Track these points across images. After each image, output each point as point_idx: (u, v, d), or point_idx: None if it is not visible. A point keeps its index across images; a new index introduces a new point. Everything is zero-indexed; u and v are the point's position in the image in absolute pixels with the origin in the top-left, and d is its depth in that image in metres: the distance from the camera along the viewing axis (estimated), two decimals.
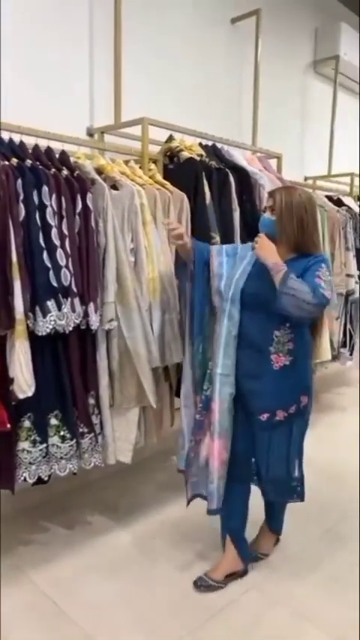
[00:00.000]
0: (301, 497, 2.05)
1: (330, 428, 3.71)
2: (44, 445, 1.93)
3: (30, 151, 1.98)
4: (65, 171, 2.00)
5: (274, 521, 2.20)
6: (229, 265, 2.02)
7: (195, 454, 2.03)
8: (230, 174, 2.60)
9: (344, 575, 2.08)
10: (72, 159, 2.11)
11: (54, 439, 1.95)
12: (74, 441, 1.98)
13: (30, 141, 2.01)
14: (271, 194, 1.95)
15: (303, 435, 2.02)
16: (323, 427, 3.70)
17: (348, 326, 3.82)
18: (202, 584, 2.01)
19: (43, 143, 2.05)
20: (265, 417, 1.91)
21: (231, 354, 1.93)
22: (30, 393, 1.77)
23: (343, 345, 3.82)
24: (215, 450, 1.93)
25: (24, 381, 1.74)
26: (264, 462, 1.96)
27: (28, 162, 1.89)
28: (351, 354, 3.89)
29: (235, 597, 1.94)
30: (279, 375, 1.90)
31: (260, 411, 1.92)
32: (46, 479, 1.98)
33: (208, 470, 1.96)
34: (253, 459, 2.01)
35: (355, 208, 3.83)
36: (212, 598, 1.93)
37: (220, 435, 1.93)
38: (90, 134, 2.66)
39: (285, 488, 2.01)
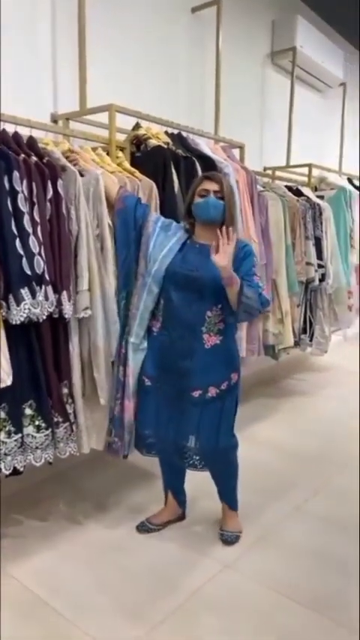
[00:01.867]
0: (228, 464, 2.19)
1: (292, 412, 3.83)
2: (19, 435, 1.90)
3: None
4: (34, 157, 1.96)
5: (224, 495, 2.26)
6: (159, 238, 2.08)
7: (116, 412, 2.15)
8: (197, 163, 2.62)
9: (317, 550, 2.17)
10: (40, 145, 2.08)
11: (29, 429, 1.93)
12: (49, 430, 1.97)
13: None
14: (213, 178, 2.03)
15: (235, 409, 2.12)
16: (286, 411, 3.82)
17: (308, 313, 3.94)
18: (143, 529, 2.26)
19: (9, 128, 2.00)
20: (197, 393, 2.01)
21: (144, 326, 2.08)
22: (9, 382, 1.74)
23: (304, 331, 3.94)
24: (128, 407, 2.11)
25: (2, 371, 1.71)
26: (194, 436, 2.05)
27: None
28: (310, 341, 4.03)
29: (211, 576, 1.99)
30: (210, 353, 2.01)
31: (192, 388, 2.02)
32: (21, 469, 1.95)
33: (123, 424, 2.12)
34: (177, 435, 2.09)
35: (314, 198, 3.94)
36: (189, 579, 1.97)
37: (133, 395, 2.10)
38: (54, 120, 2.61)
39: (213, 458, 2.12)
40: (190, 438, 2.06)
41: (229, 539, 2.19)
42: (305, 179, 4.34)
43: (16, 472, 1.96)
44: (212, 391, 2.01)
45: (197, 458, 2.11)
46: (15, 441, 1.89)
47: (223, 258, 1.85)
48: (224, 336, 2.02)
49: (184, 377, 2.02)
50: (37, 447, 1.94)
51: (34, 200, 1.88)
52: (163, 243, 2.06)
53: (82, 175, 2.09)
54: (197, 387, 2.01)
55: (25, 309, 1.79)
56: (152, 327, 2.09)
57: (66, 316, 1.98)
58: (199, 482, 2.33)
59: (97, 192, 2.11)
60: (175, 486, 2.31)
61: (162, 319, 2.06)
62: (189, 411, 2.03)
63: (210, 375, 2.02)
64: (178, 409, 2.05)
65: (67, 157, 2.10)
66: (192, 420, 2.03)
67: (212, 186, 1.99)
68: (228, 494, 2.25)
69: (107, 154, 2.38)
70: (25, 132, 2.05)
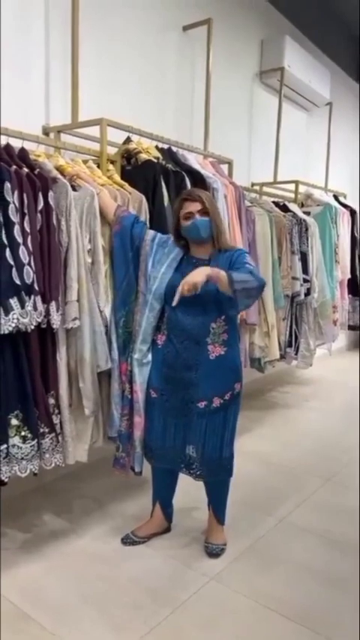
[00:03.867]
0: (230, 473, 2.20)
1: (278, 424, 3.85)
2: (4, 446, 1.89)
3: None
4: (25, 169, 1.98)
5: (215, 507, 2.26)
6: (157, 256, 2.13)
7: (123, 428, 2.20)
8: (186, 177, 2.66)
9: (302, 562, 2.18)
10: (31, 157, 2.10)
11: (15, 439, 1.92)
12: (35, 441, 1.96)
13: None
14: (193, 198, 2.05)
15: (236, 418, 2.15)
16: (270, 424, 3.85)
17: (294, 327, 3.99)
18: (127, 541, 2.25)
19: (1, 140, 2.03)
20: (202, 404, 2.05)
21: (148, 341, 2.13)
22: None
23: (289, 345, 3.98)
24: (139, 424, 2.15)
25: None
26: (199, 446, 2.08)
27: None
28: (296, 354, 4.07)
29: (196, 590, 1.98)
30: (215, 364, 2.05)
31: (198, 399, 2.05)
32: (6, 480, 1.93)
33: (132, 440, 2.17)
34: (184, 445, 2.11)
35: (300, 214, 4.01)
36: (174, 591, 1.96)
37: (142, 411, 2.14)
38: (46, 133, 2.63)
39: (217, 467, 2.14)
40: (196, 449, 2.08)
41: (214, 552, 2.19)
42: (292, 195, 4.41)
43: (0, 483, 1.94)
44: (217, 401, 2.05)
45: (203, 468, 2.12)
46: (0, 451, 1.87)
47: (195, 276, 1.85)
48: (228, 347, 2.07)
49: (189, 388, 2.06)
50: (22, 458, 1.93)
51: (25, 211, 1.89)
52: (162, 260, 2.11)
53: (75, 190, 2.12)
54: (202, 398, 2.04)
55: (13, 318, 1.79)
56: (157, 341, 2.13)
57: (54, 326, 1.98)
58: (184, 494, 2.34)
59: (92, 208, 2.13)
60: (164, 499, 2.31)
61: (167, 332, 2.10)
62: (194, 422, 2.06)
63: (215, 386, 2.05)
64: (184, 420, 2.08)
65: (69, 178, 2.13)
66: (198, 431, 2.06)
67: (194, 207, 2.02)
68: (219, 505, 2.25)
69: (98, 166, 2.41)
70: (17, 144, 2.07)
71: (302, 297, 3.86)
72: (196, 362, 2.04)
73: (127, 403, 2.18)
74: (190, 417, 2.07)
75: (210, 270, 1.89)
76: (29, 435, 1.94)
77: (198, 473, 2.14)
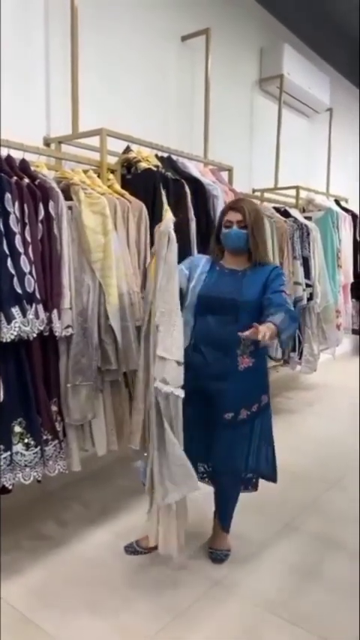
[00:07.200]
0: (255, 487, 2.23)
1: (281, 430, 3.83)
2: (8, 453, 1.91)
3: None
4: (26, 180, 2.01)
5: (222, 515, 2.25)
6: (191, 275, 2.11)
7: None
8: (186, 185, 2.69)
9: (305, 566, 2.18)
10: (32, 167, 2.13)
11: (18, 447, 1.94)
12: (38, 448, 1.97)
13: None
14: (236, 208, 2.04)
15: (270, 428, 2.15)
16: (275, 429, 3.82)
17: (297, 332, 3.99)
18: (130, 550, 2.21)
19: (2, 152, 2.06)
20: (229, 416, 2.02)
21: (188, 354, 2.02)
22: (0, 399, 1.75)
23: (293, 350, 3.99)
24: None
25: None
26: (223, 458, 2.06)
27: None
28: (299, 359, 4.07)
29: (200, 594, 1.99)
30: (243, 375, 2.03)
31: (225, 410, 2.02)
32: (10, 488, 1.95)
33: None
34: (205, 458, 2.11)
35: (301, 219, 4.02)
36: (178, 597, 1.97)
37: None
38: (47, 143, 2.67)
39: (239, 480, 2.15)
40: (219, 459, 2.07)
41: (218, 558, 2.19)
42: (293, 201, 4.43)
43: (5, 490, 1.96)
44: (244, 413, 2.04)
45: (224, 480, 2.13)
46: (4, 458, 1.89)
47: (256, 334, 1.81)
48: (256, 358, 2.05)
49: (215, 398, 2.02)
50: (26, 465, 1.95)
51: (26, 221, 1.92)
52: (191, 276, 2.10)
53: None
54: (229, 409, 2.02)
55: (15, 327, 1.82)
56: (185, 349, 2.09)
57: (56, 334, 2.01)
58: (190, 502, 2.33)
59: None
60: None
61: (193, 341, 2.06)
62: (218, 433, 2.03)
63: (242, 398, 2.03)
64: (205, 432, 2.04)
65: None
66: (222, 442, 2.03)
67: (235, 217, 2.03)
68: (227, 514, 2.24)
69: (98, 176, 2.44)
70: (18, 155, 2.11)
71: (305, 302, 3.87)
72: (224, 373, 2.01)
73: None
74: (214, 428, 2.03)
75: (265, 329, 1.81)
76: (32, 442, 1.96)
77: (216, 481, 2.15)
